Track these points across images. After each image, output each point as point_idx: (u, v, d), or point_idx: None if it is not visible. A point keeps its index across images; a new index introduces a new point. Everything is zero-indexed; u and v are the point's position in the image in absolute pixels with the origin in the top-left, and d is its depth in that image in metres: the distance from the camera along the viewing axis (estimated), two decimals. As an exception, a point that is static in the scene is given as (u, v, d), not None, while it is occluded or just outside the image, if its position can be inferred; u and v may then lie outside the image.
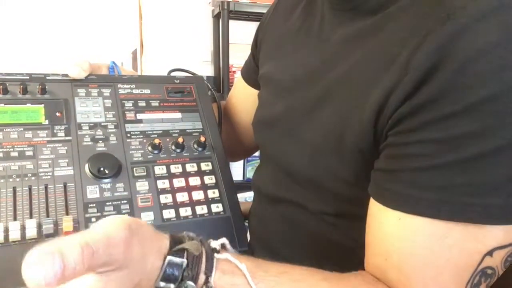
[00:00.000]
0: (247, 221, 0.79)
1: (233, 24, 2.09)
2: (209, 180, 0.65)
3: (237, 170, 2.04)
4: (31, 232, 0.53)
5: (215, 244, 0.44)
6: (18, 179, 0.56)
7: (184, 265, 0.40)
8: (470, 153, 0.41)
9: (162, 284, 0.40)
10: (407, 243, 0.44)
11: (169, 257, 0.40)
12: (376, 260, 0.48)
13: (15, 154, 0.58)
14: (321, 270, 0.47)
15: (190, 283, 0.40)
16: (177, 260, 0.40)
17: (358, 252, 0.52)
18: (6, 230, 0.52)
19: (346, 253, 0.56)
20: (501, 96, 0.40)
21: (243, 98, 0.86)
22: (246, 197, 1.56)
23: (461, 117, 0.41)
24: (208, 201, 0.63)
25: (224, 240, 0.45)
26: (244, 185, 1.65)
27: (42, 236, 0.53)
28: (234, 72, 2.14)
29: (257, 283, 0.43)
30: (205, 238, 0.45)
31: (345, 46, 0.55)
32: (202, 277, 0.41)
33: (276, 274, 0.45)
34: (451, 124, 0.42)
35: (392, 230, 0.46)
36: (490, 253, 0.43)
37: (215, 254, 0.43)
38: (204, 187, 0.64)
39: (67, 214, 0.55)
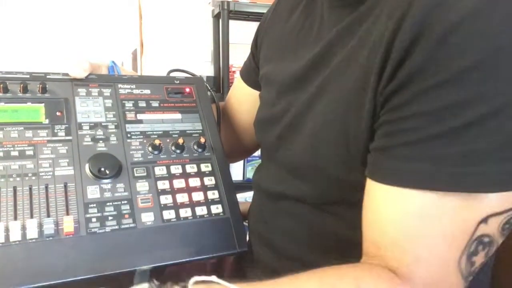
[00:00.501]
0: (247, 221, 0.79)
1: (233, 24, 2.09)
2: (209, 181, 0.65)
3: (237, 170, 2.04)
4: (32, 232, 0.53)
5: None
6: (18, 179, 0.56)
7: None
8: (458, 122, 0.41)
9: None
10: (401, 216, 0.45)
11: None
12: (373, 236, 0.48)
13: (15, 153, 0.58)
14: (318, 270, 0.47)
15: None
16: None
17: (361, 242, 0.52)
18: (7, 230, 0.52)
19: (350, 244, 0.56)
20: (483, 63, 0.41)
21: (242, 99, 0.86)
22: (246, 197, 1.56)
23: (446, 87, 0.42)
24: (208, 202, 0.63)
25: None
26: (244, 185, 1.65)
27: (42, 236, 0.53)
28: (234, 72, 2.14)
29: None
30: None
31: (341, 36, 0.56)
32: None
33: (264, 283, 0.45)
34: (437, 96, 0.42)
35: (387, 205, 0.46)
36: (484, 220, 0.43)
37: None
38: (204, 188, 0.64)
39: (67, 214, 0.56)
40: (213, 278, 0.41)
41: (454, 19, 0.41)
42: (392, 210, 0.46)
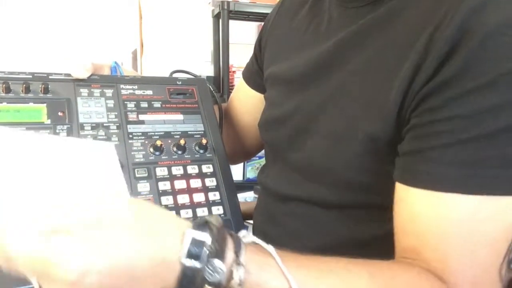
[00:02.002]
0: (247, 221, 0.78)
1: (233, 24, 2.09)
2: (210, 182, 0.65)
3: (237, 170, 2.03)
4: None
5: (240, 233, 0.42)
6: None
7: (208, 241, 0.36)
8: (495, 126, 0.42)
9: (187, 261, 0.35)
10: (440, 221, 0.44)
11: (190, 230, 0.36)
12: (409, 241, 0.47)
13: None
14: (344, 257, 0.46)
15: (217, 261, 0.36)
16: (200, 234, 0.36)
17: (375, 244, 0.51)
18: (7, 230, 0.52)
19: (363, 245, 0.56)
20: None
21: (245, 100, 0.86)
22: (246, 197, 1.56)
23: (484, 91, 0.42)
24: (209, 204, 0.63)
25: (245, 232, 0.43)
26: (244, 186, 1.65)
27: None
28: (234, 72, 2.14)
29: (287, 263, 0.41)
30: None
31: (360, 36, 0.56)
32: (230, 255, 0.38)
33: (306, 256, 0.45)
34: (475, 99, 0.43)
35: (423, 209, 0.45)
36: None
37: (241, 237, 0.41)
38: (205, 190, 0.64)
39: None
40: (271, 249, 0.41)
41: (495, 24, 0.42)
42: (432, 216, 0.45)
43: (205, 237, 0.36)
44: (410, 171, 0.47)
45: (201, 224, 0.38)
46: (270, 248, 0.41)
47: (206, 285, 0.36)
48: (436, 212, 0.45)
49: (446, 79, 0.44)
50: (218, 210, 0.63)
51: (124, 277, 0.34)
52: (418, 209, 0.46)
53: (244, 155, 0.96)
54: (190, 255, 0.36)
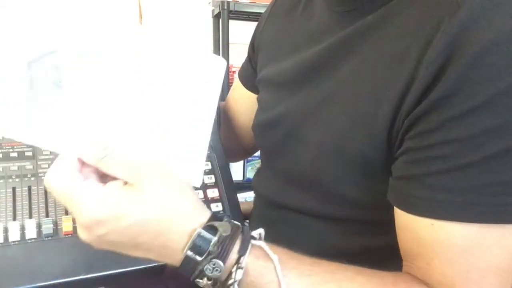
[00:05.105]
0: (247, 221, 0.78)
1: (233, 24, 2.08)
2: (209, 179, 0.65)
3: (237, 170, 2.03)
4: (31, 232, 0.53)
5: (255, 233, 0.45)
6: (17, 179, 0.56)
7: (213, 241, 0.41)
8: (494, 149, 0.40)
9: (190, 253, 0.41)
10: (446, 248, 0.43)
11: (200, 230, 0.42)
12: (419, 263, 0.46)
13: (15, 154, 0.58)
14: (353, 266, 0.47)
15: (217, 261, 0.41)
16: (207, 235, 0.42)
17: (367, 256, 0.51)
18: (6, 230, 0.52)
19: (355, 257, 0.55)
20: None
21: (241, 101, 0.86)
22: (246, 197, 1.55)
23: (480, 112, 0.40)
24: (207, 201, 0.63)
25: (261, 230, 0.46)
26: (244, 185, 1.64)
27: (41, 236, 0.53)
28: (234, 72, 2.14)
29: (290, 269, 0.43)
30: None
31: (348, 44, 0.54)
32: (233, 257, 0.42)
33: (310, 263, 0.45)
34: (471, 121, 0.40)
35: (427, 236, 0.44)
36: None
37: (252, 240, 0.44)
38: (203, 187, 0.64)
39: (66, 214, 0.56)
40: (275, 259, 0.43)
41: (488, 40, 0.39)
42: (437, 242, 0.44)
43: (211, 239, 0.42)
44: (407, 197, 0.45)
45: (210, 227, 0.43)
46: (274, 257, 0.43)
47: (205, 278, 0.41)
48: (440, 239, 0.43)
49: (439, 99, 0.41)
50: (217, 207, 0.63)
51: (131, 248, 0.42)
52: (422, 234, 0.45)
53: (242, 153, 0.96)
54: (194, 249, 0.41)
